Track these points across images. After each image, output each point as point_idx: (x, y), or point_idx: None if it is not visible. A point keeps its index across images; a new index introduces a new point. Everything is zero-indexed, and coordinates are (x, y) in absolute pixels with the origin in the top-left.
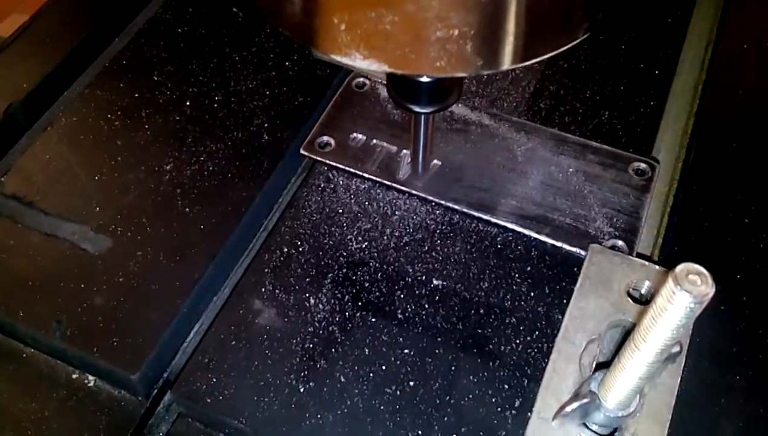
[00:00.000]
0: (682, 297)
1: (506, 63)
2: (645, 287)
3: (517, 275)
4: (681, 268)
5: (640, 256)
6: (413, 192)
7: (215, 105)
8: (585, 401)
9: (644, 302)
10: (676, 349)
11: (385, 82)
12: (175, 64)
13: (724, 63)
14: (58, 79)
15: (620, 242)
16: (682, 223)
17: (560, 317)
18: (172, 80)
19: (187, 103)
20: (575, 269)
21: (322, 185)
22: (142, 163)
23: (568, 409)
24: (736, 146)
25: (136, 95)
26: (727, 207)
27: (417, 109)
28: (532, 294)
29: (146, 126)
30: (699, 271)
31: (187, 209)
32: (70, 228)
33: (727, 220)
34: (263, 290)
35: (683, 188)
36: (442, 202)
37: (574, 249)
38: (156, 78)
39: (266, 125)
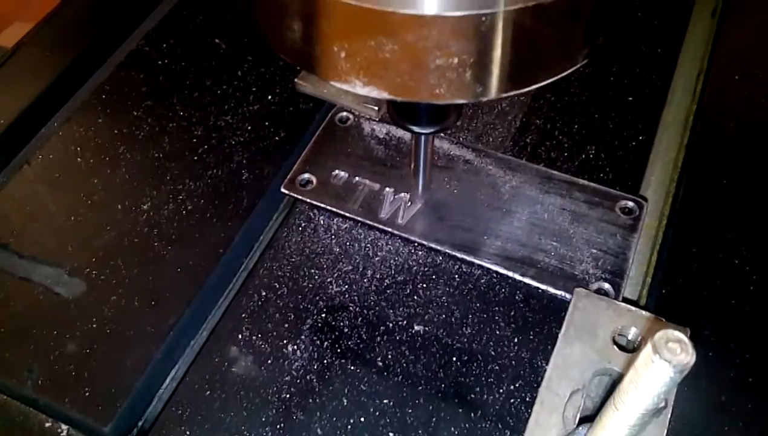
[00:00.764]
0: (661, 366)
1: (505, 89)
2: (632, 334)
3: (500, 320)
4: (660, 335)
5: (626, 300)
6: (395, 232)
7: (195, 140)
8: None
9: (631, 349)
10: (662, 405)
11: (368, 117)
12: (154, 99)
13: (716, 92)
14: (36, 113)
15: (606, 285)
16: (670, 262)
17: (544, 363)
18: (152, 115)
19: (167, 139)
20: (561, 312)
21: (302, 225)
22: (119, 203)
23: None
24: (728, 181)
25: (115, 131)
26: (717, 246)
27: (417, 129)
28: (516, 340)
29: (124, 163)
30: (678, 338)
31: (164, 251)
32: (44, 271)
33: (717, 260)
34: (240, 336)
35: (672, 226)
36: (425, 242)
37: (559, 292)
38: (135, 113)
39: (247, 162)
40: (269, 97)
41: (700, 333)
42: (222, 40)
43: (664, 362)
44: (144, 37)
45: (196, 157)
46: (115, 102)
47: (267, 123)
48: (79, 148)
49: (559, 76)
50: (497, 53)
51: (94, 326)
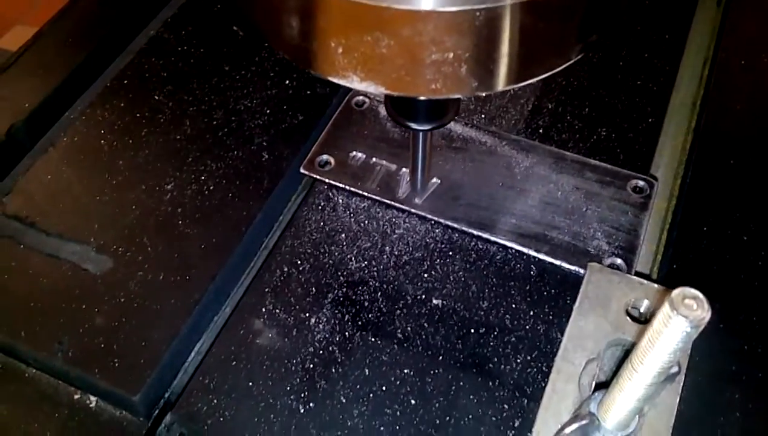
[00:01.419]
0: (679, 321)
1: (501, 84)
2: (644, 306)
3: (516, 294)
4: (677, 292)
5: (638, 274)
6: (413, 211)
7: (215, 124)
8: (584, 422)
9: (643, 320)
10: (675, 369)
11: (383, 100)
12: (175, 84)
13: (722, 78)
14: (60, 98)
15: (619, 261)
16: (680, 240)
17: (560, 335)
18: (173, 99)
19: (188, 123)
20: (575, 287)
21: (322, 204)
22: (143, 183)
23: (568, 430)
24: (735, 162)
25: (137, 115)
26: (725, 224)
27: (415, 126)
28: (531, 313)
29: (147, 146)
30: (695, 295)
31: (188, 229)
32: (72, 248)
33: (726, 237)
34: (263, 310)
35: (681, 205)
36: (442, 220)
37: (573, 267)
38: (156, 97)
39: (266, 144)
40: (287, 81)
41: (711, 306)
42: (239, 28)
43: (681, 317)
44: (164, 24)
45: (216, 140)
46: (136, 87)
47: (285, 106)
48: (102, 131)
49: (554, 72)
50: (492, 48)
51: (122, 300)
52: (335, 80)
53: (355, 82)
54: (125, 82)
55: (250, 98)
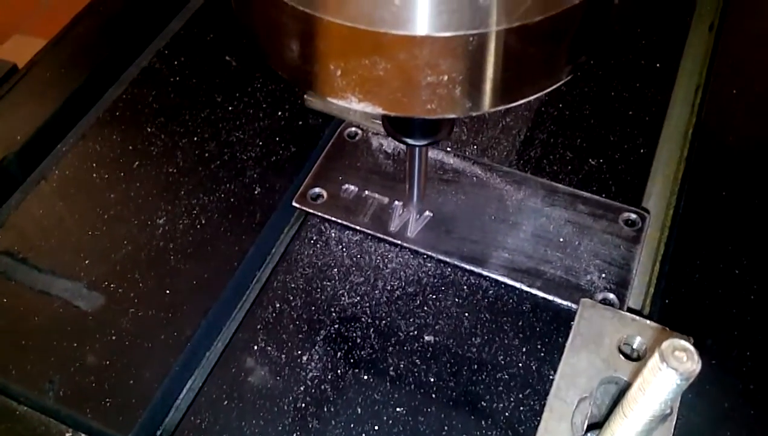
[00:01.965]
0: (669, 374)
1: (494, 104)
2: (637, 343)
3: (508, 330)
4: (667, 344)
5: (630, 310)
6: (405, 244)
7: (207, 156)
8: None
9: (636, 358)
10: (667, 411)
11: (376, 132)
12: (167, 115)
13: (714, 106)
14: (52, 130)
15: (611, 296)
16: (672, 273)
17: (552, 372)
18: (165, 132)
19: (180, 155)
20: (567, 322)
21: (314, 238)
22: (135, 217)
23: None
24: (727, 193)
25: (129, 147)
26: (718, 257)
27: (410, 142)
28: (524, 349)
29: (139, 179)
30: (685, 347)
31: (180, 264)
32: (63, 285)
33: (719, 270)
34: (255, 347)
35: (674, 237)
36: (434, 254)
37: (565, 303)
38: (149, 129)
39: (258, 177)
40: (279, 112)
41: (703, 342)
42: (232, 58)
43: (671, 370)
44: (156, 54)
45: (209, 172)
46: (128, 118)
47: (278, 138)
48: (94, 164)
49: (545, 92)
50: (485, 70)
51: (113, 338)
52: (334, 101)
53: (353, 103)
54: (117, 113)
55: (242, 130)
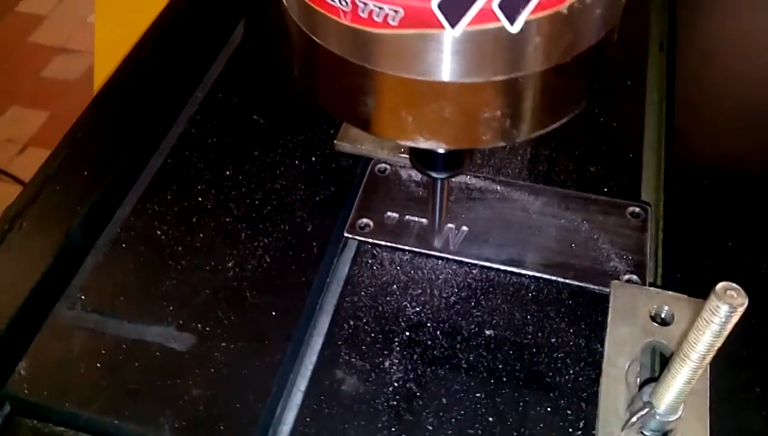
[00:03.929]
0: (725, 309)
1: (533, 131)
2: (664, 311)
3: (555, 316)
4: (720, 286)
5: (652, 285)
6: (450, 257)
7: (257, 203)
8: (645, 411)
9: (667, 323)
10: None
11: (402, 165)
12: (212, 173)
13: (678, 117)
14: (107, 199)
15: (634, 277)
16: (677, 253)
17: (599, 346)
18: (214, 187)
19: (232, 206)
20: (602, 303)
21: (370, 262)
22: (206, 264)
23: (634, 419)
24: (708, 182)
25: (185, 204)
26: (710, 233)
27: (434, 175)
28: (571, 330)
29: (200, 230)
30: (733, 287)
31: (255, 300)
32: (155, 331)
33: (712, 242)
34: (341, 360)
35: (669, 224)
36: (477, 262)
37: (597, 287)
38: (199, 187)
39: (308, 216)
40: (312, 158)
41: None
42: (260, 117)
43: (727, 305)
44: (189, 121)
45: (262, 218)
46: (178, 179)
47: (317, 181)
48: (156, 223)
49: (570, 116)
50: (528, 103)
51: (212, 370)
52: (401, 142)
53: (420, 142)
54: (167, 176)
55: (283, 177)
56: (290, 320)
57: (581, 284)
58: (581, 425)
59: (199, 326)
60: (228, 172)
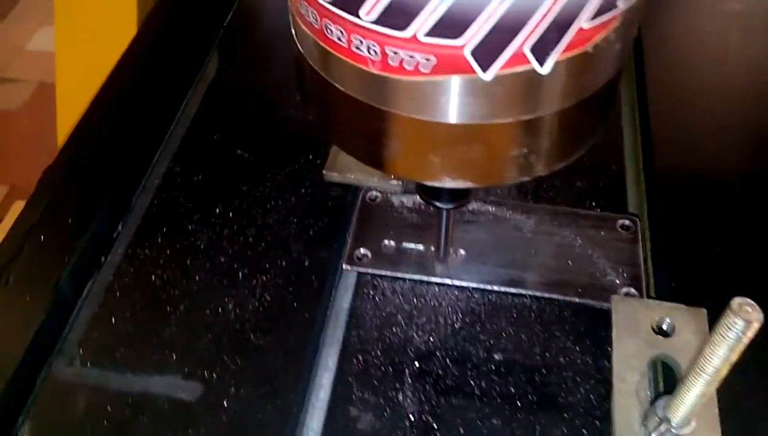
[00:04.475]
0: (741, 324)
1: (558, 164)
2: (666, 323)
3: (560, 335)
4: (736, 302)
5: (649, 297)
6: (451, 282)
7: (251, 240)
8: (663, 429)
9: (668, 334)
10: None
11: (393, 191)
12: (201, 211)
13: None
14: (94, 245)
15: (632, 290)
16: (667, 262)
17: (607, 361)
18: (205, 226)
19: (226, 244)
20: (604, 318)
21: (371, 293)
22: (205, 307)
23: (654, 435)
24: (690, 189)
25: (177, 245)
26: (696, 240)
27: (440, 205)
28: (577, 348)
29: (195, 272)
30: (749, 302)
31: (260, 340)
32: (160, 381)
33: (700, 249)
34: (354, 397)
35: (658, 234)
36: (478, 285)
37: (597, 302)
38: (190, 226)
39: (304, 249)
40: (302, 190)
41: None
42: (244, 151)
43: (744, 321)
44: (172, 158)
45: (258, 255)
46: (167, 221)
47: (309, 213)
48: (149, 268)
49: (589, 146)
50: (553, 139)
51: (224, 417)
52: (427, 183)
53: (447, 182)
54: (155, 217)
55: (274, 212)
56: (298, 359)
57: (582, 301)
58: None
59: (206, 372)
60: (218, 210)
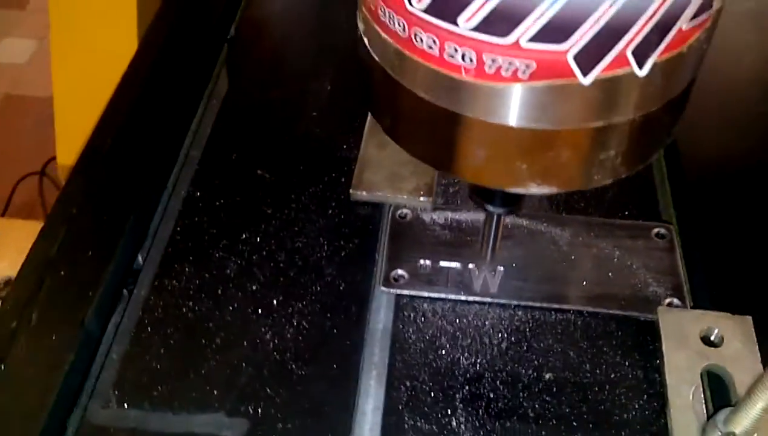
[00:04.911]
0: None
1: (640, 164)
2: (714, 334)
3: (608, 350)
4: None
5: (695, 306)
6: (492, 300)
7: (282, 265)
8: None
9: (717, 345)
10: None
11: (423, 208)
12: (228, 237)
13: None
14: (117, 278)
15: (675, 300)
16: (704, 269)
17: (657, 375)
18: (233, 253)
19: (256, 271)
20: (650, 330)
21: (412, 315)
22: (242, 339)
23: None
24: (718, 195)
25: (206, 275)
26: (730, 244)
27: (492, 209)
28: (626, 363)
29: (228, 302)
30: None
31: (301, 370)
32: (204, 420)
33: (737, 256)
34: (406, 426)
35: (689, 240)
36: (520, 302)
37: (642, 314)
38: (217, 254)
39: (337, 272)
40: (329, 211)
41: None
42: (264, 171)
43: None
44: (191, 182)
45: (291, 281)
46: (193, 249)
47: (339, 234)
48: (179, 300)
49: (662, 149)
50: (639, 140)
51: None
52: (512, 190)
53: (532, 189)
54: (180, 246)
55: (303, 235)
56: (344, 388)
57: (627, 314)
58: None
59: (250, 408)
60: (245, 236)
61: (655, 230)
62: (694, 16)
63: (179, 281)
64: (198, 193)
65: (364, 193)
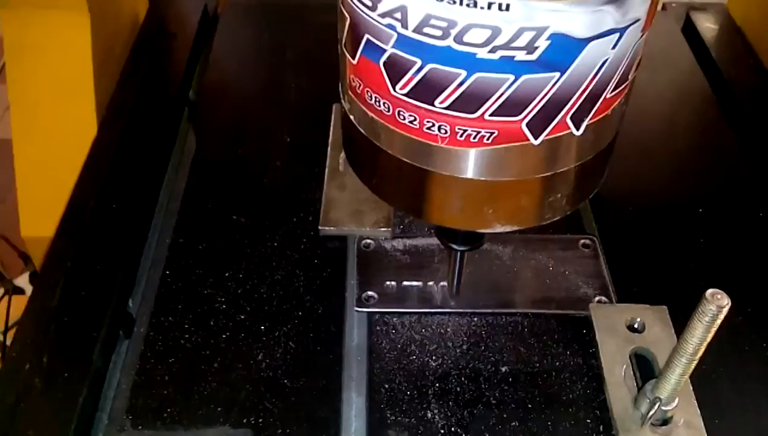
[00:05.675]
0: (713, 309)
1: (581, 202)
2: (637, 322)
3: (552, 343)
4: (709, 292)
5: (619, 301)
6: (453, 311)
7: (266, 296)
8: (657, 405)
9: (641, 331)
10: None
11: (385, 238)
12: (213, 275)
13: None
14: (118, 319)
15: (603, 298)
16: (624, 270)
17: (593, 360)
18: (219, 288)
19: (242, 302)
20: (586, 324)
21: (384, 329)
22: (237, 361)
23: (651, 412)
24: (630, 210)
25: (198, 310)
26: (641, 250)
27: (455, 247)
28: (568, 352)
29: (221, 331)
30: (719, 292)
31: (294, 384)
32: (211, 433)
33: (648, 257)
34: (389, 421)
35: (613, 250)
36: (476, 310)
37: (577, 312)
38: (206, 292)
39: (314, 298)
40: (301, 246)
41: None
42: (239, 216)
43: (715, 306)
44: (173, 230)
45: (275, 310)
46: (184, 289)
47: (312, 265)
48: (176, 333)
49: (599, 186)
50: (580, 183)
51: None
52: (479, 230)
53: (496, 228)
54: (172, 287)
55: (281, 268)
56: (332, 394)
57: (565, 312)
58: (601, 429)
59: (252, 419)
60: (228, 273)
61: (582, 242)
62: (615, 88)
63: (174, 317)
64: (181, 240)
65: (332, 228)
